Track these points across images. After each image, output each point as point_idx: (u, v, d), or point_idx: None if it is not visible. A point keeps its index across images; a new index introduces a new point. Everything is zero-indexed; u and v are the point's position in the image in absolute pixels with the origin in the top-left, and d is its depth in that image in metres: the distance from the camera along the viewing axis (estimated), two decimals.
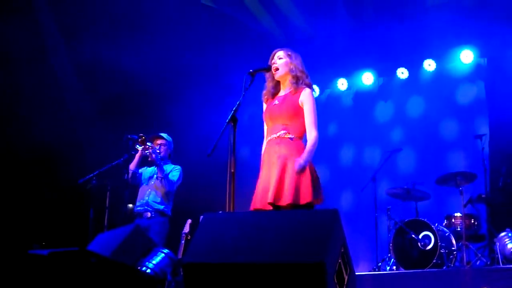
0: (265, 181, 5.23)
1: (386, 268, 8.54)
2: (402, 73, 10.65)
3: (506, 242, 7.82)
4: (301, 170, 5.02)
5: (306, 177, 5.07)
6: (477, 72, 10.16)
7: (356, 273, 7.19)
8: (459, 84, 10.29)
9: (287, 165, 5.13)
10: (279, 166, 5.14)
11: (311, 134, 5.23)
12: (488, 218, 8.50)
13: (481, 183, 8.74)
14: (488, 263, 7.96)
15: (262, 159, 5.38)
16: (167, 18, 9.63)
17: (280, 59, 5.44)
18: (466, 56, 10.03)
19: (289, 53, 5.48)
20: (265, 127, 5.49)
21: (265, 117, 5.46)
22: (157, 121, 9.76)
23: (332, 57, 10.60)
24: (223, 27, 10.21)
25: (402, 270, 8.09)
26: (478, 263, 8.15)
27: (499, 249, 7.78)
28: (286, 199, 5.02)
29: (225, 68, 10.23)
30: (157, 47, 9.82)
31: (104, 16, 9.38)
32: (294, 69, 5.42)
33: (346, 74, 11.08)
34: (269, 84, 5.53)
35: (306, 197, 5.04)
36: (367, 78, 10.90)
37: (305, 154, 5.09)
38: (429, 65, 10.37)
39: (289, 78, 5.43)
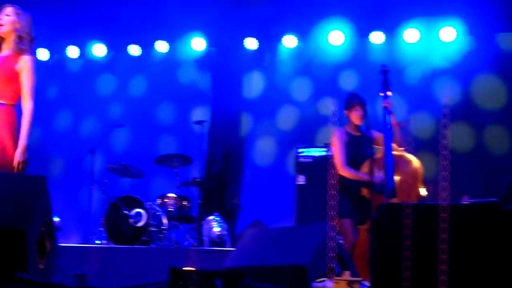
0: None
1: (95, 242, 8.46)
2: (134, 50, 10.62)
3: (213, 226, 8.22)
4: (22, 167, 4.88)
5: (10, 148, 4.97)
6: (206, 60, 10.44)
7: (64, 244, 7.08)
8: (188, 70, 10.49)
9: None
10: None
11: (27, 105, 5.09)
12: (200, 201, 8.79)
13: (197, 167, 9.01)
14: (196, 244, 8.25)
15: None
16: None
17: (7, 16, 5.20)
18: (198, 43, 10.26)
19: (19, 11, 5.26)
20: None
21: None
22: None
23: (66, 24, 10.26)
24: None
25: (112, 245, 8.08)
26: (186, 243, 8.41)
27: (207, 232, 8.14)
28: None
29: None
30: None
31: None
32: (19, 28, 5.20)
33: (78, 43, 10.76)
34: None
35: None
36: (98, 50, 10.69)
37: (21, 148, 4.95)
38: (160, 46, 10.42)
39: (12, 37, 5.19)
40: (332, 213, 4.55)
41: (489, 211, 3.78)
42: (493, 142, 9.16)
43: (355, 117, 6.58)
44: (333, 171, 6.09)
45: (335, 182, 4.81)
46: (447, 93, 8.79)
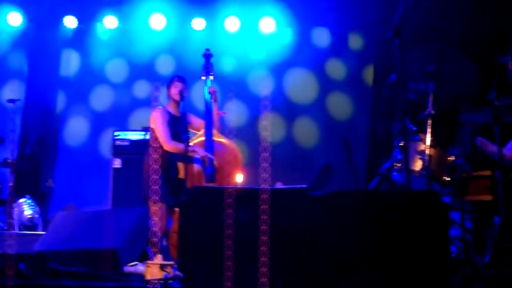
0: None
1: None
2: None
3: (24, 209, 8.02)
4: None
5: None
6: (22, 36, 10.03)
7: None
8: (2, 45, 10.01)
9: None
10: None
11: None
12: (11, 184, 8.49)
13: (8, 147, 8.68)
14: (5, 227, 7.97)
15: None
16: None
17: None
18: (14, 18, 9.79)
19: None
20: None
21: None
22: None
23: None
24: None
25: None
26: None
27: (17, 215, 7.92)
28: None
29: None
30: None
31: None
32: None
33: None
34: None
35: None
36: None
37: None
38: None
39: None
40: (154, 187, 4.60)
41: (297, 196, 4.05)
42: (303, 133, 9.65)
43: (174, 92, 6.67)
44: (155, 145, 6.16)
45: (158, 157, 4.86)
46: (264, 85, 9.12)
